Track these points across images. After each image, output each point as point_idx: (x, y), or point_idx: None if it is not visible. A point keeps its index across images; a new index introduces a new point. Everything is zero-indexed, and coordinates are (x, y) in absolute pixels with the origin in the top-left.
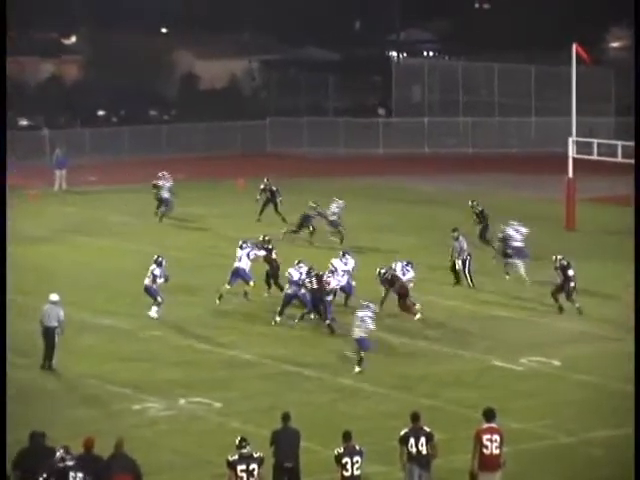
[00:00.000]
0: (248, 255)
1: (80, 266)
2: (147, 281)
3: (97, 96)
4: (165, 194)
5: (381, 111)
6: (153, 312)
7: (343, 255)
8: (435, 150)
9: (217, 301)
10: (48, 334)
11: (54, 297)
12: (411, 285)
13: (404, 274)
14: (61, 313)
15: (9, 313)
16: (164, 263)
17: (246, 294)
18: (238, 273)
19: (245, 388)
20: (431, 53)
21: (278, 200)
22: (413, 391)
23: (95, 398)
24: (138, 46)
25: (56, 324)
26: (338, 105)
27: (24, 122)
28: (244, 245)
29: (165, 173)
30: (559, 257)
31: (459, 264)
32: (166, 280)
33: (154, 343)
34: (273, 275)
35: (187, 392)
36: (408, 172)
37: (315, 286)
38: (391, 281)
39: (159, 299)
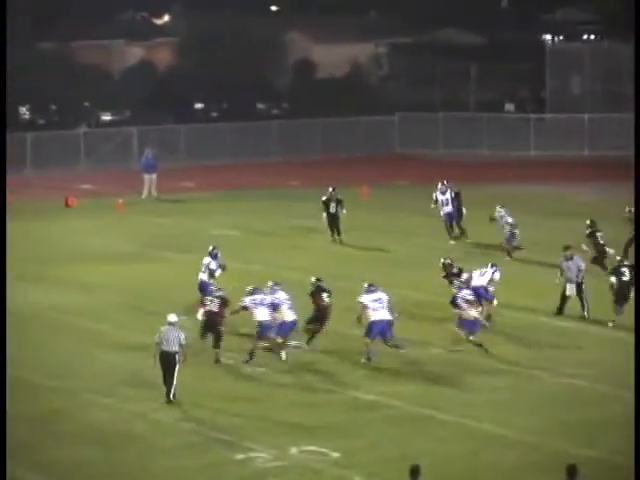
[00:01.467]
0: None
1: (175, 289)
2: (203, 276)
3: (194, 86)
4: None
5: (509, 107)
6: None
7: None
8: (597, 152)
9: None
10: (167, 360)
11: (173, 318)
12: (491, 289)
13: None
14: (182, 336)
15: (88, 344)
16: (219, 254)
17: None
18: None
19: (368, 435)
20: (592, 36)
21: (340, 213)
22: (569, 438)
23: (190, 445)
24: (243, 27)
25: (177, 349)
26: (481, 98)
27: (107, 117)
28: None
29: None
30: None
31: (571, 289)
32: (223, 269)
33: (261, 381)
34: None
35: (299, 439)
36: (564, 178)
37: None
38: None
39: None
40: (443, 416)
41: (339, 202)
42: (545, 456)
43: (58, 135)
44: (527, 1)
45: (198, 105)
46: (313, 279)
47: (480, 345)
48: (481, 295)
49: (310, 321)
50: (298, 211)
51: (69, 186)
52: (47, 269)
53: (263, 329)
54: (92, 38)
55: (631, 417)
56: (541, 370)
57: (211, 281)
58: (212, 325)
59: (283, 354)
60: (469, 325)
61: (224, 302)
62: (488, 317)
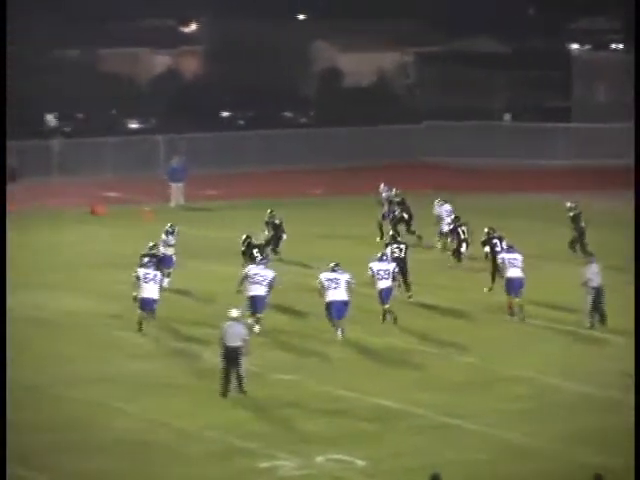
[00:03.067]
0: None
1: (202, 297)
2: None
3: (221, 94)
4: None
5: (507, 117)
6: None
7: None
8: (624, 161)
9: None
10: (231, 355)
11: (235, 312)
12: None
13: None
14: (244, 331)
15: (112, 351)
16: (176, 230)
17: None
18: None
19: (394, 444)
20: (620, 46)
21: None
22: (591, 446)
23: (215, 454)
24: (270, 35)
25: (240, 343)
26: (506, 107)
27: (134, 125)
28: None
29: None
30: None
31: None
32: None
33: (288, 388)
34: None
35: (325, 448)
36: (593, 188)
37: None
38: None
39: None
40: (467, 425)
41: (399, 204)
42: (569, 466)
43: (85, 143)
44: (554, 8)
45: (225, 113)
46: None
47: None
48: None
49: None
50: (325, 221)
51: (96, 194)
52: (71, 275)
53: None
54: (119, 46)
55: None
56: (562, 379)
57: (169, 252)
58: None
59: (339, 333)
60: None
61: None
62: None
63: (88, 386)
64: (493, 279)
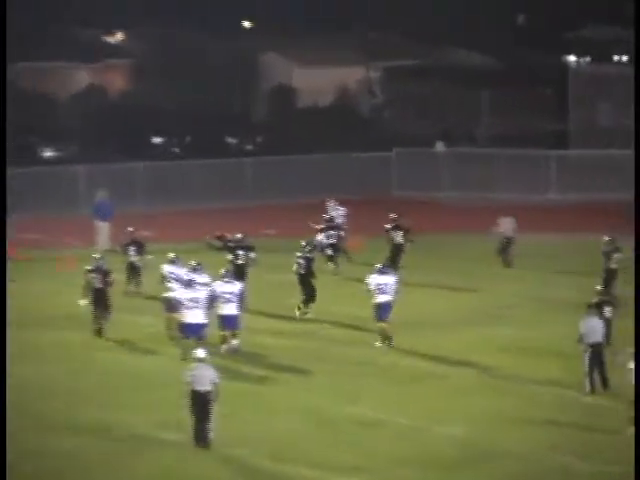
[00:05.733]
0: None
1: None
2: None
3: (152, 117)
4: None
5: (440, 146)
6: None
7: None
8: (631, 196)
9: None
10: (200, 401)
11: (201, 353)
12: None
13: None
14: (214, 373)
15: None
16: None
17: None
18: None
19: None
20: (624, 58)
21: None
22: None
23: None
24: (211, 47)
25: (209, 388)
26: (493, 131)
27: (49, 153)
28: None
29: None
30: None
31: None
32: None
33: (303, 419)
34: None
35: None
36: (591, 226)
37: None
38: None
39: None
40: None
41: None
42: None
43: None
44: (547, 17)
45: (157, 139)
46: None
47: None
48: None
49: None
50: (276, 264)
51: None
52: None
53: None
54: (30, 59)
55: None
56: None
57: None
58: None
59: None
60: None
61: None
62: None
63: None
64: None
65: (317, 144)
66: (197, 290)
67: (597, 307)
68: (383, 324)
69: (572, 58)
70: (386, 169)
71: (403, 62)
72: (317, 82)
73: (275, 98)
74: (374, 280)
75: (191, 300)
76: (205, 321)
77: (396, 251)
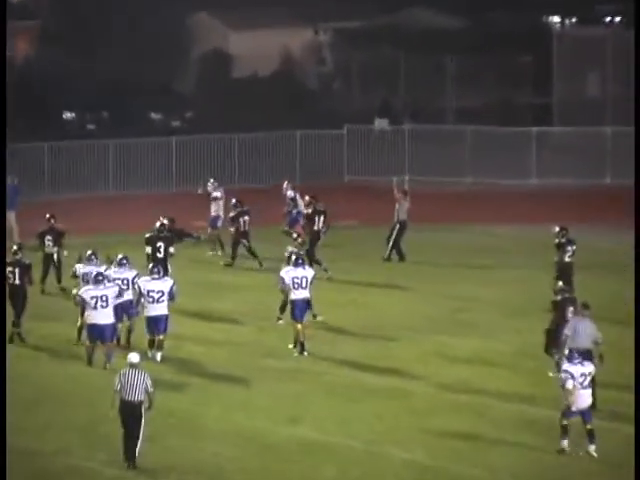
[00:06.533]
0: None
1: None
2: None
3: (64, 89)
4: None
5: (380, 123)
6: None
7: None
8: (622, 180)
9: None
10: (130, 412)
11: (134, 358)
12: None
13: None
14: (148, 381)
15: None
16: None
17: None
18: None
19: None
20: (617, 18)
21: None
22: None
23: None
24: (131, 8)
25: (142, 397)
26: (463, 104)
27: None
28: None
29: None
30: None
31: None
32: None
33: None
34: None
35: None
36: (578, 215)
37: None
38: None
39: None
40: None
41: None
42: None
43: None
44: None
45: (69, 114)
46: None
47: None
48: None
49: None
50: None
51: None
52: None
53: None
54: None
55: None
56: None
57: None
58: None
59: None
60: None
61: None
62: None
63: None
64: None
65: (255, 121)
66: (105, 287)
67: (556, 306)
68: (299, 325)
69: (556, 19)
70: (337, 149)
71: (358, 23)
72: (255, 47)
73: (206, 67)
74: (289, 274)
75: (95, 298)
76: (112, 321)
77: (314, 240)
